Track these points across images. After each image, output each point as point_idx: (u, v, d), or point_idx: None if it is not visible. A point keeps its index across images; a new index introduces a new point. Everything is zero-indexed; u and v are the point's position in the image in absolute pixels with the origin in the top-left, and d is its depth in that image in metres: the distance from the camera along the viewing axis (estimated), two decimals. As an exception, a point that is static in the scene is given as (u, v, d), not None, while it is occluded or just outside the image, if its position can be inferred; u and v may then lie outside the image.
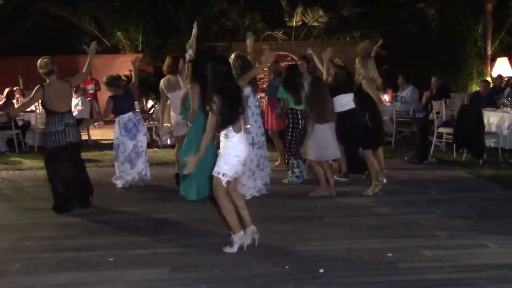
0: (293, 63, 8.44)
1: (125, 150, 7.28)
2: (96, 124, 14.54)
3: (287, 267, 4.36)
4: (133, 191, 7.22)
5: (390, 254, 4.60)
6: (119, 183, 7.36)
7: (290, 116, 7.28)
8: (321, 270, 4.24)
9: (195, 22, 6.97)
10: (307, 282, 4.08)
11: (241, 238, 4.71)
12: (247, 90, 6.55)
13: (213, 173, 4.58)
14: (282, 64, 11.69)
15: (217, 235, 5.13)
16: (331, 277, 4.15)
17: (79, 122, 11.36)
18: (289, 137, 7.32)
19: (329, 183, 6.69)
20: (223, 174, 4.53)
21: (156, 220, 5.82)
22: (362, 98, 6.62)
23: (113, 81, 7.30)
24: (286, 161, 7.54)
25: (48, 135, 6.07)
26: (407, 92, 11.43)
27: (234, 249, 4.71)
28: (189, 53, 6.58)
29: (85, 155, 9.87)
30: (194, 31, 6.92)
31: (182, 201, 6.52)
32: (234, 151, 4.54)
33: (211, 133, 4.60)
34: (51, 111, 6.06)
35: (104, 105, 7.52)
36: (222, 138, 4.60)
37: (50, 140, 6.06)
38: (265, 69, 8.86)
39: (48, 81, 6.03)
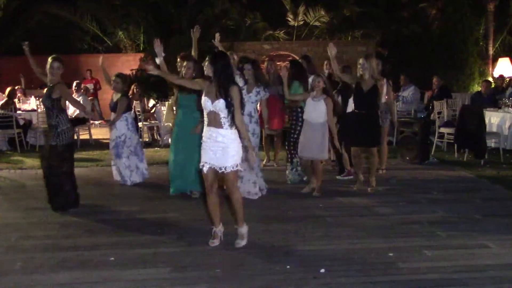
0: (296, 59, 8.41)
1: (131, 144, 7.44)
2: (97, 122, 14.59)
3: (288, 266, 4.36)
4: (134, 190, 7.22)
5: (391, 254, 4.60)
6: (129, 182, 7.47)
7: (294, 114, 7.26)
8: (322, 270, 4.25)
9: (197, 26, 6.91)
10: (308, 281, 4.07)
11: (246, 230, 4.88)
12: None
13: (231, 169, 4.62)
14: (284, 64, 11.68)
15: (218, 234, 5.12)
16: (332, 276, 4.15)
17: (81, 121, 11.49)
18: (293, 135, 7.31)
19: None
20: (237, 165, 4.67)
21: (157, 219, 5.82)
22: (374, 97, 6.68)
23: (127, 78, 7.51)
24: (289, 159, 7.50)
25: (65, 132, 6.08)
26: (408, 92, 11.42)
27: (245, 241, 4.86)
28: (159, 60, 5.68)
29: (86, 154, 9.93)
30: (195, 35, 6.87)
31: (183, 201, 6.52)
32: (238, 140, 4.67)
33: None
34: (63, 108, 6.17)
35: (105, 104, 7.55)
36: (226, 131, 4.62)
37: (66, 136, 6.09)
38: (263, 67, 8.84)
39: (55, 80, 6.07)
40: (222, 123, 4.60)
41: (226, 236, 5.04)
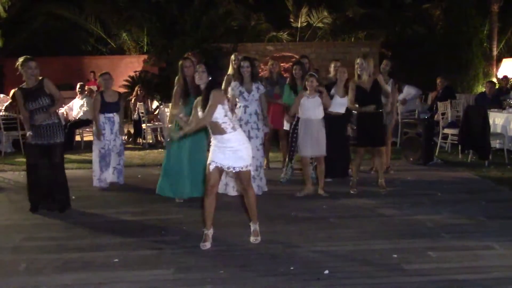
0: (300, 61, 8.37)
1: None
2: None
3: (292, 268, 4.35)
4: (137, 192, 7.23)
5: (395, 255, 4.59)
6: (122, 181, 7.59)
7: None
8: (326, 271, 4.24)
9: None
10: (312, 283, 4.07)
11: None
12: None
13: (239, 169, 4.73)
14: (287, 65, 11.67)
15: (222, 236, 5.12)
16: (336, 278, 4.14)
17: (85, 123, 11.51)
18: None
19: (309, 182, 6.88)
20: (250, 165, 4.79)
21: (161, 221, 5.83)
22: (378, 94, 6.76)
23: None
24: (289, 159, 7.50)
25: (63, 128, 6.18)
26: (406, 91, 11.16)
27: (260, 237, 4.96)
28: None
29: (90, 156, 9.90)
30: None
31: (186, 202, 6.52)
32: (246, 140, 4.84)
33: None
34: None
35: None
36: (230, 134, 4.69)
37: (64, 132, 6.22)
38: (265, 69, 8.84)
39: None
40: (224, 129, 4.68)
41: (230, 237, 5.06)
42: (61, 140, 6.05)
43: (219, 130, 4.69)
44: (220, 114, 4.62)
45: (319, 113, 6.57)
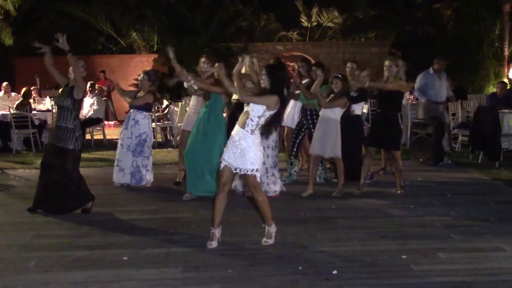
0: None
1: (151, 145, 7.52)
2: (112, 123, 14.67)
3: (300, 268, 4.35)
4: (146, 190, 7.26)
5: (404, 256, 4.57)
6: (144, 181, 7.40)
7: (309, 114, 7.24)
8: (334, 272, 4.23)
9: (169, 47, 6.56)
10: (320, 283, 4.06)
11: (275, 230, 4.94)
12: None
13: (245, 172, 4.69)
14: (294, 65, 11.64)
15: (230, 235, 5.13)
16: (344, 278, 4.13)
17: (95, 122, 11.58)
18: (301, 137, 7.35)
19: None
20: (257, 170, 4.72)
21: (170, 219, 5.85)
22: (394, 98, 6.69)
23: (152, 77, 7.60)
24: (294, 157, 7.51)
25: (81, 136, 6.08)
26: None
27: (273, 240, 4.91)
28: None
29: (100, 154, 10.03)
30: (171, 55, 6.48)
31: (195, 201, 6.54)
32: (259, 147, 4.76)
33: None
34: (79, 112, 6.29)
35: (119, 105, 7.53)
36: (246, 133, 4.68)
37: (81, 141, 6.10)
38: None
39: None
40: (246, 124, 4.68)
41: (239, 236, 5.06)
42: (73, 146, 5.88)
43: (242, 121, 4.71)
44: (258, 112, 4.65)
45: (338, 114, 6.60)
